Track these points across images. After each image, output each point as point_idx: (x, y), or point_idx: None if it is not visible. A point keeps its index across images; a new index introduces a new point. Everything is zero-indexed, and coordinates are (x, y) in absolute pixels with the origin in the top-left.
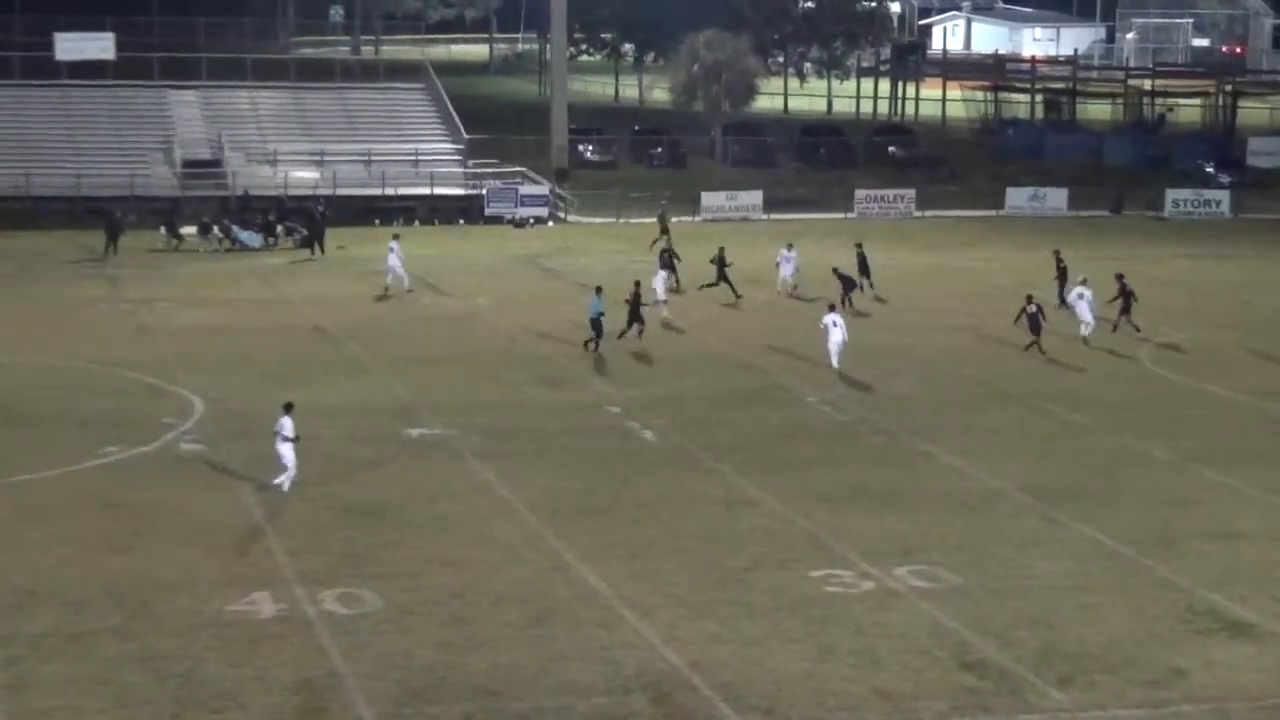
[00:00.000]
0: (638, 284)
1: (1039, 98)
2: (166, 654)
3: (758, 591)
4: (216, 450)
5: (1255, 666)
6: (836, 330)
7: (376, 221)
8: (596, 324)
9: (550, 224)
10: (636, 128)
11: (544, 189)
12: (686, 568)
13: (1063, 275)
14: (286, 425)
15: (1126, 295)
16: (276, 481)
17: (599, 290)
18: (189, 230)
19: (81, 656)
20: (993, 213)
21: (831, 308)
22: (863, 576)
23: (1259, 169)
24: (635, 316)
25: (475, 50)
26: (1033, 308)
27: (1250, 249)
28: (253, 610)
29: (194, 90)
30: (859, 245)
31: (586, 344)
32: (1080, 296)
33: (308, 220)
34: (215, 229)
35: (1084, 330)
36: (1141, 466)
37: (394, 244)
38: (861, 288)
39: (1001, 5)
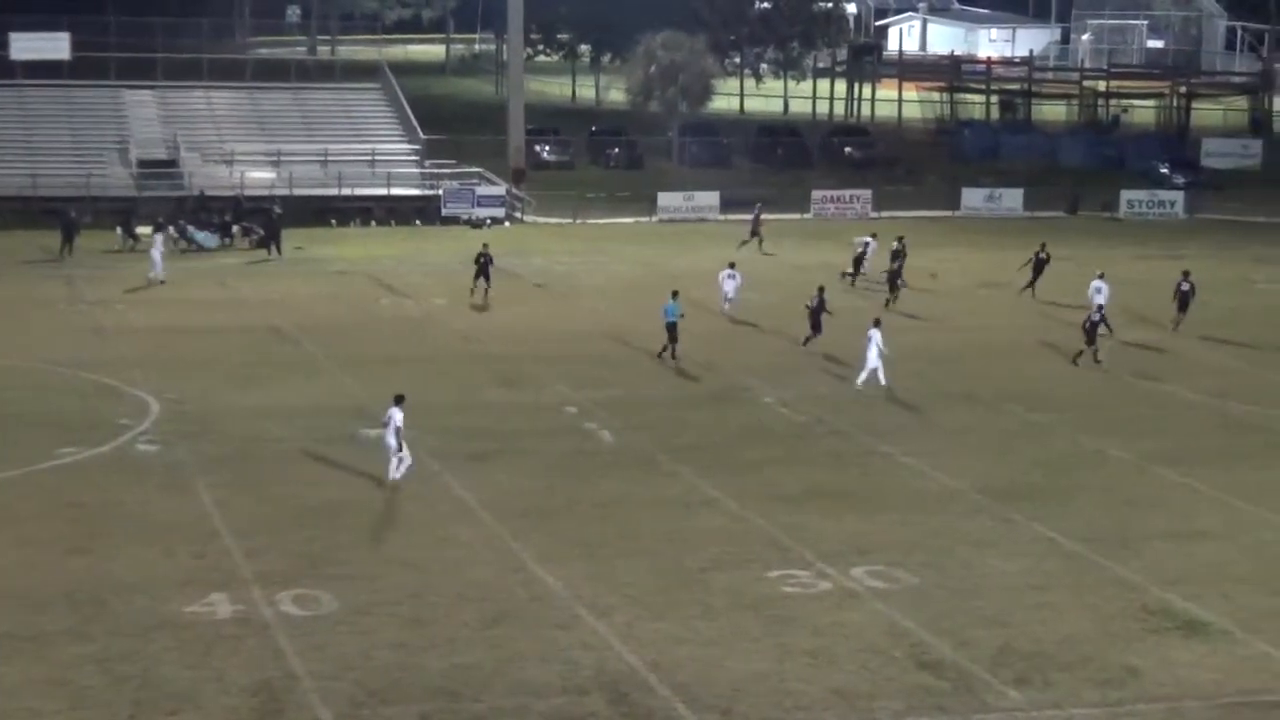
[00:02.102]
0: (821, 289)
1: (995, 99)
2: (123, 655)
3: (715, 592)
4: (173, 451)
5: (1209, 665)
6: (873, 346)
7: (333, 222)
8: (672, 329)
9: (507, 224)
10: (593, 128)
11: (501, 189)
12: (644, 568)
13: (1037, 268)
14: (398, 416)
15: (1183, 295)
16: (396, 476)
17: (675, 294)
18: (145, 230)
19: (38, 658)
20: (949, 213)
21: (876, 322)
22: (820, 577)
23: (1212, 170)
24: (816, 324)
25: (432, 50)
26: (1097, 315)
27: (1204, 249)
28: (210, 611)
29: (150, 90)
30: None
31: (661, 353)
32: (1098, 291)
33: (266, 221)
34: (171, 229)
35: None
36: (1098, 466)
37: (159, 235)
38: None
39: (957, 6)
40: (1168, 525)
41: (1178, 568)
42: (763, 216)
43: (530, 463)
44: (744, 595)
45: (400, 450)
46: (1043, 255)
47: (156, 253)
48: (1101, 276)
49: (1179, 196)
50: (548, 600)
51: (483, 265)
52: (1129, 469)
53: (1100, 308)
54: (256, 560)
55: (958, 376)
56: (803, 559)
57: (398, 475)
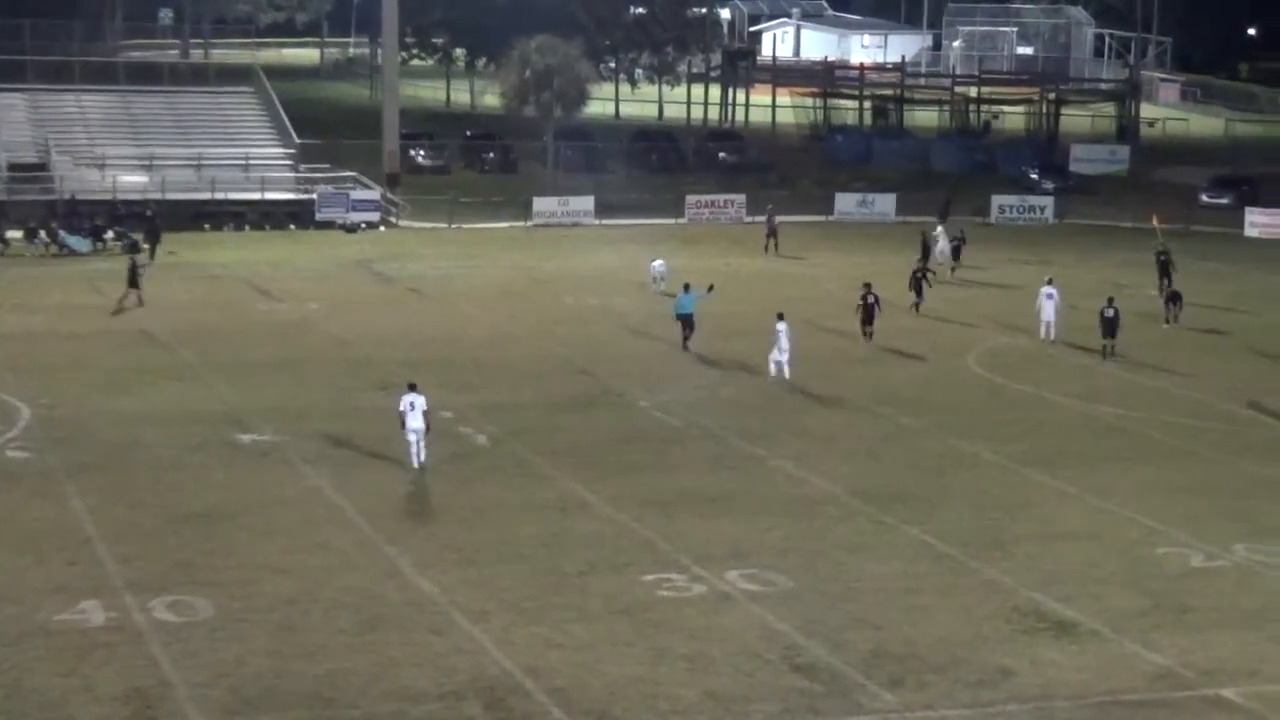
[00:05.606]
0: (868, 285)
1: (867, 104)
2: None
3: (591, 596)
4: (43, 457)
5: (1078, 665)
6: (783, 339)
7: (206, 226)
8: (689, 320)
9: (382, 229)
10: (468, 132)
11: (376, 194)
12: (520, 573)
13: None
14: (421, 401)
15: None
16: (423, 459)
17: (687, 287)
18: (15, 235)
19: None
20: (822, 218)
21: (780, 316)
22: (694, 580)
23: (1081, 175)
24: (869, 318)
25: (306, 54)
26: (1110, 311)
27: (1072, 254)
28: (82, 619)
29: (20, 93)
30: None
31: (685, 344)
32: (1049, 297)
33: (149, 225)
34: (42, 233)
35: (1043, 331)
36: (970, 469)
37: None
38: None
39: (830, 13)
40: (1038, 527)
41: (1048, 569)
42: (777, 219)
43: (406, 467)
44: (619, 599)
45: (428, 432)
46: (1164, 256)
47: None
48: (1050, 282)
49: (1048, 202)
50: (423, 606)
51: (131, 275)
52: (999, 472)
53: (1111, 300)
54: (129, 567)
55: (827, 380)
56: (678, 563)
57: (423, 458)
